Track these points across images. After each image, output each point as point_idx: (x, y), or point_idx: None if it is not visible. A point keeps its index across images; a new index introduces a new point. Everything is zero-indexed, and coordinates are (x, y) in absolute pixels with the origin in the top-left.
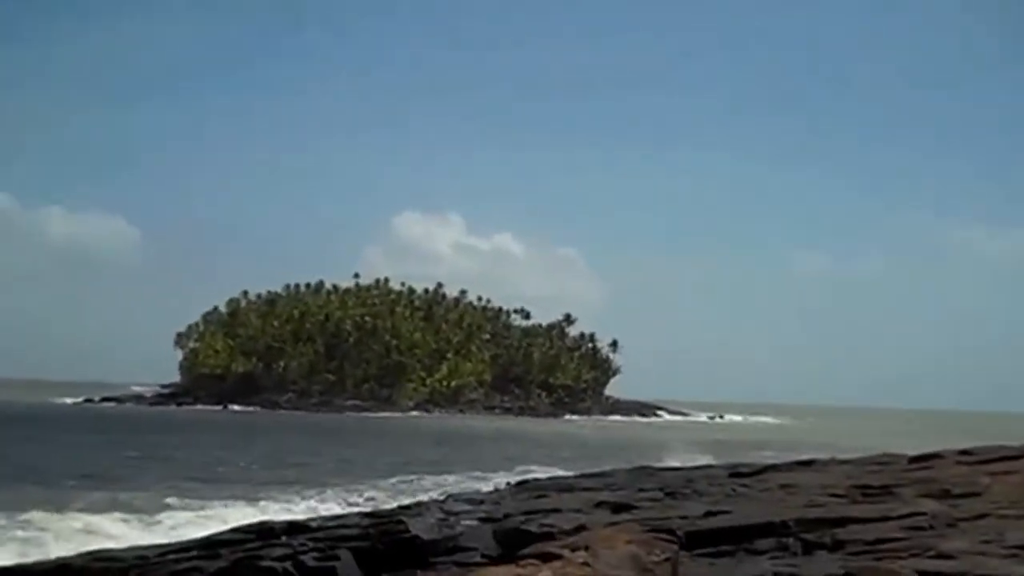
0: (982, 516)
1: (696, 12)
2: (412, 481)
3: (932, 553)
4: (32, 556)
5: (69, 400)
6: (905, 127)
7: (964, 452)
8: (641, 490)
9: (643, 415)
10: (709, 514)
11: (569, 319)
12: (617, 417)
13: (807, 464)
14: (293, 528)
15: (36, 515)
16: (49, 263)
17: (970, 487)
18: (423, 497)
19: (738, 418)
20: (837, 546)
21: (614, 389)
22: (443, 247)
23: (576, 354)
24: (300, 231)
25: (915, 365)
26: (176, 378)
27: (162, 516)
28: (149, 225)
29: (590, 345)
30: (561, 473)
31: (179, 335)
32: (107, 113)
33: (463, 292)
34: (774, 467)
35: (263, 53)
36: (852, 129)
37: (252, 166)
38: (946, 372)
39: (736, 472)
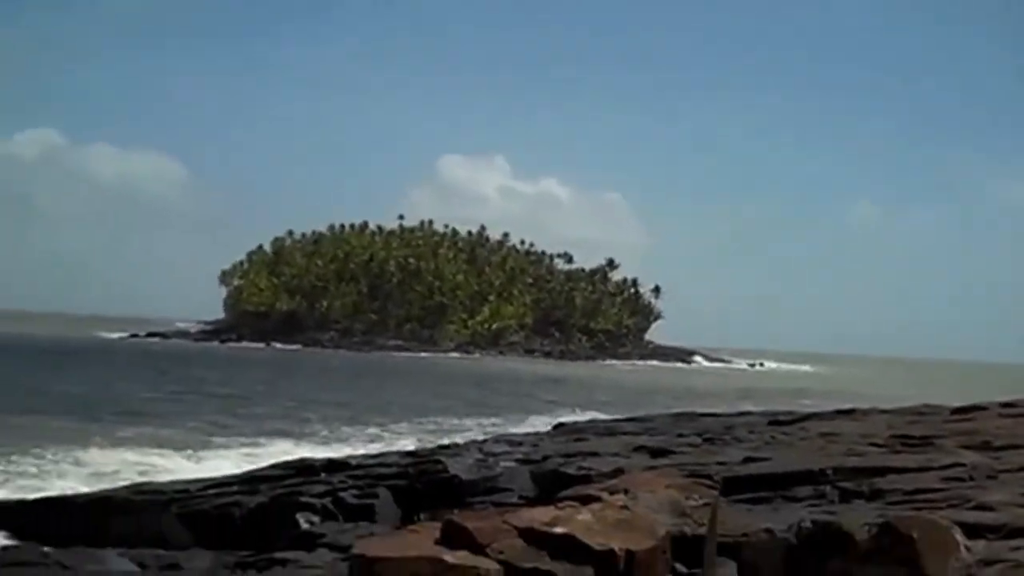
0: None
1: None
2: (452, 422)
3: (971, 504)
4: (76, 488)
5: (115, 335)
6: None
7: (1007, 404)
8: (680, 435)
9: (683, 361)
10: (748, 460)
11: (612, 264)
12: (656, 362)
13: (847, 413)
14: (332, 466)
15: (80, 448)
16: (97, 200)
17: (1012, 439)
18: (462, 438)
19: (776, 366)
20: (875, 495)
21: (655, 334)
22: (488, 190)
23: (618, 299)
24: (345, 173)
25: (964, 315)
26: (220, 315)
27: (204, 451)
28: (196, 164)
29: (632, 290)
30: (600, 417)
31: (224, 273)
32: (153, 53)
33: (506, 235)
34: (815, 415)
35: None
36: (913, 74)
37: (296, 111)
38: (993, 324)
39: (775, 420)
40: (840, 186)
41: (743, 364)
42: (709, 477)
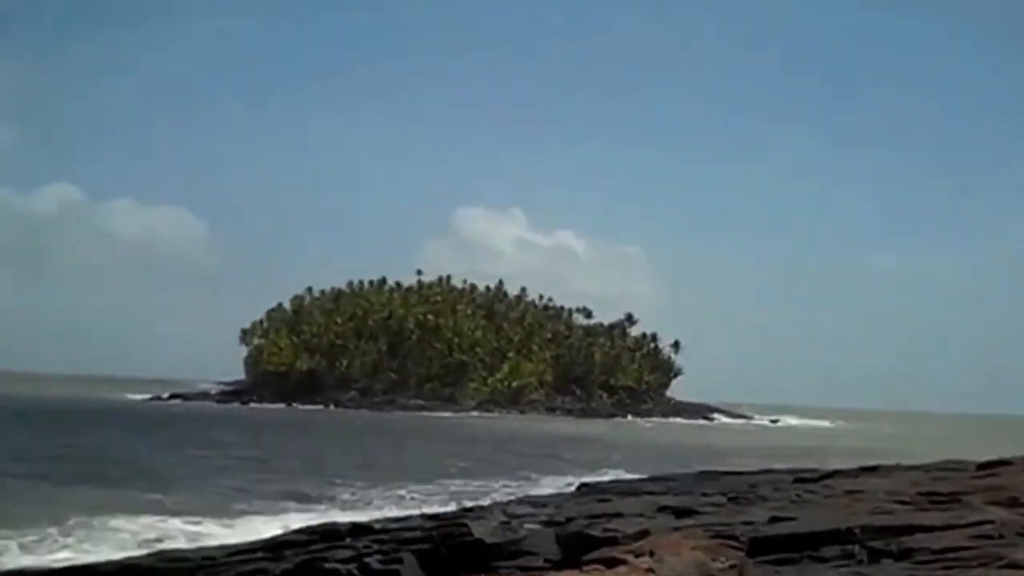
0: None
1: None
2: (475, 483)
3: (1002, 563)
4: (101, 555)
5: (140, 396)
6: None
7: None
8: (704, 495)
9: (705, 418)
10: (774, 520)
11: (631, 319)
12: (679, 419)
13: (872, 470)
14: (357, 530)
15: (107, 515)
16: (117, 257)
17: None
18: (485, 500)
19: (797, 422)
20: (904, 554)
21: (676, 391)
22: (504, 243)
23: (638, 354)
24: (363, 226)
25: (986, 369)
26: (241, 375)
27: (230, 517)
28: (215, 218)
29: (652, 345)
30: (624, 476)
31: (244, 332)
32: (175, 107)
33: (524, 290)
34: (839, 472)
35: (323, 45)
36: (935, 117)
37: (315, 161)
38: (1017, 376)
39: (800, 477)
40: (861, 235)
41: (764, 420)
42: (735, 538)
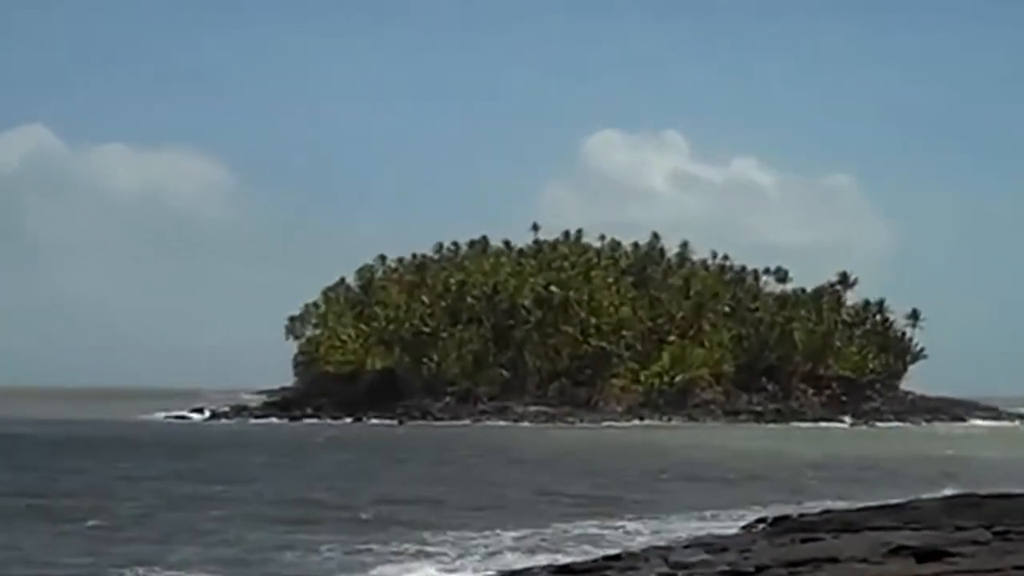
0: None
1: None
2: (619, 521)
3: None
4: None
5: (160, 415)
6: None
7: None
8: (959, 528)
9: (958, 419)
10: None
11: (846, 280)
12: (919, 422)
13: None
14: None
15: None
16: (108, 219)
17: None
18: (636, 544)
19: None
20: None
21: (913, 381)
22: (657, 180)
23: (858, 331)
24: (454, 167)
25: None
26: (289, 379)
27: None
28: (248, 167)
29: (878, 318)
30: (837, 505)
31: (292, 320)
32: (191, 26)
33: (686, 245)
34: None
35: None
36: None
37: (385, 86)
38: None
39: None
40: None
41: None
42: None
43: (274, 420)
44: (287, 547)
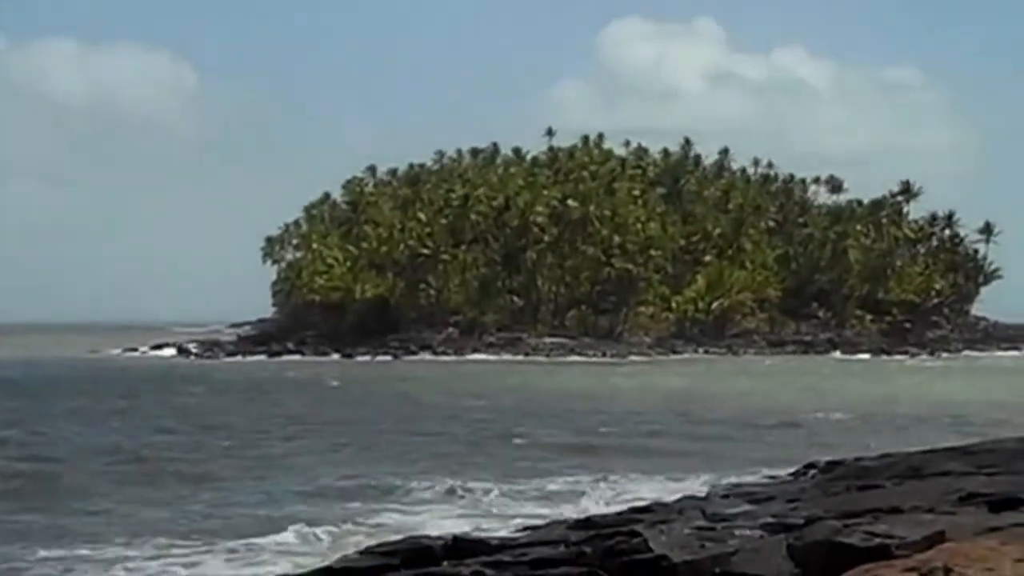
0: None
1: None
2: (647, 470)
3: None
4: None
5: (115, 351)
6: None
7: None
8: None
9: None
10: None
11: (909, 190)
12: (996, 352)
13: None
14: (461, 547)
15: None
16: (54, 124)
17: None
18: (667, 494)
19: None
20: None
21: (989, 306)
22: (689, 76)
23: (923, 249)
24: (454, 62)
25: None
26: (267, 311)
27: (265, 538)
28: (212, 63)
29: (946, 233)
30: (897, 449)
31: (269, 241)
32: None
33: (725, 152)
34: None
35: None
36: None
37: None
38: None
39: None
40: None
41: None
42: None
43: (249, 358)
44: None
